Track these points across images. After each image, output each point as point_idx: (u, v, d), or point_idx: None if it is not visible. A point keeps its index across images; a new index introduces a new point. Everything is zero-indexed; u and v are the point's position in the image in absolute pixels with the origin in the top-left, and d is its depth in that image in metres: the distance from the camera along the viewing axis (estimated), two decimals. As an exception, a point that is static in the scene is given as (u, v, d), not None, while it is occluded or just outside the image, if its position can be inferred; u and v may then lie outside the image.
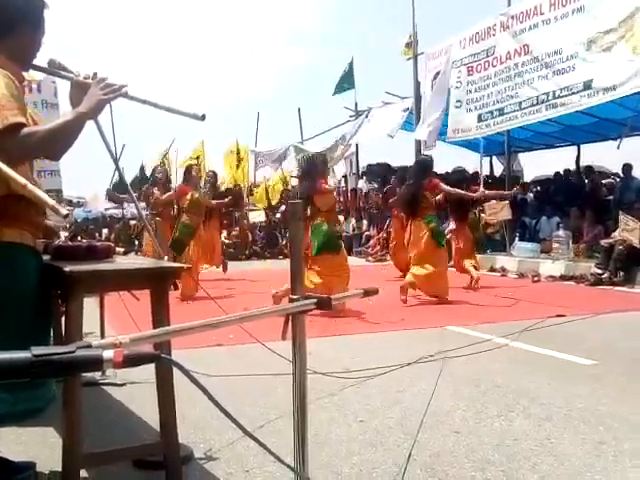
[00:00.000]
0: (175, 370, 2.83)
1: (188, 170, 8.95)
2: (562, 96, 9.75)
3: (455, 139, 12.65)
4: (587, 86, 9.28)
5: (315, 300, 1.34)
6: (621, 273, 8.80)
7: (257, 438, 1.21)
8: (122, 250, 2.82)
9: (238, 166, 18.91)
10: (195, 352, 4.42)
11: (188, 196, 8.28)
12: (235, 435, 2.94)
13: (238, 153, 19.01)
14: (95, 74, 2.04)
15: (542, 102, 10.14)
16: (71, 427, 2.09)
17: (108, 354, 0.81)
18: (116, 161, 2.41)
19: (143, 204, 9.90)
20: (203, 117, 2.01)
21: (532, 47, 10.38)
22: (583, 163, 15.01)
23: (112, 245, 2.70)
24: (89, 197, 25.13)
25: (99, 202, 23.44)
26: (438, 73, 12.88)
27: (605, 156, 15.04)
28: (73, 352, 0.79)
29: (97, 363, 0.80)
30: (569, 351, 4.68)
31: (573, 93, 9.54)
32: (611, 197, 12.61)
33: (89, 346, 0.83)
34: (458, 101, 12.16)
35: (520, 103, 10.60)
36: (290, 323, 1.39)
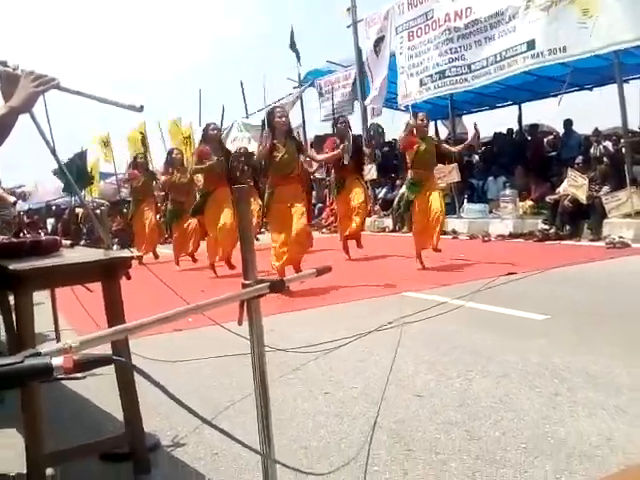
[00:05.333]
0: (135, 358, 2.81)
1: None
2: (507, 57, 9.85)
3: (404, 104, 12.70)
4: (530, 46, 9.38)
5: (268, 284, 1.33)
6: (567, 227, 9.08)
7: (216, 425, 1.21)
8: (69, 242, 2.75)
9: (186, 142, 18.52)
10: (155, 339, 4.37)
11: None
12: (199, 420, 2.93)
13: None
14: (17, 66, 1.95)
15: (491, 64, 10.21)
16: (32, 427, 2.06)
17: (57, 361, 0.78)
18: (54, 152, 2.33)
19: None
20: (141, 108, 1.95)
21: (475, 9, 10.42)
22: (525, 122, 15.29)
23: (58, 238, 2.62)
24: (30, 187, 24.37)
25: (42, 192, 22.78)
26: (381, 39, 12.87)
27: (546, 113, 15.34)
28: (21, 362, 0.76)
29: (47, 372, 0.78)
30: (522, 308, 4.81)
31: (517, 54, 9.65)
32: (554, 153, 12.92)
33: (38, 354, 0.80)
34: (401, 67, 12.20)
35: (469, 66, 10.65)
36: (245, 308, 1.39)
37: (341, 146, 7.56)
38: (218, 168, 7.94)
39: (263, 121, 7.05)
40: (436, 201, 7.19)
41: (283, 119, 6.60)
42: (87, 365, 0.82)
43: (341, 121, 8.96)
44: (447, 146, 8.31)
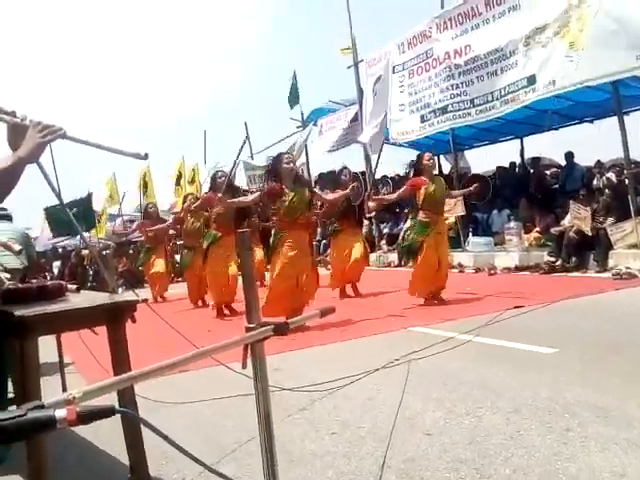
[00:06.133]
0: (140, 400, 2.79)
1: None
2: (511, 92, 9.99)
3: (399, 141, 12.84)
4: (531, 82, 9.54)
5: (272, 327, 1.34)
6: (573, 259, 9.05)
7: (217, 471, 1.20)
8: (74, 287, 2.76)
9: (177, 184, 18.84)
10: (161, 379, 4.34)
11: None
12: (207, 462, 2.89)
13: (177, 174, 18.94)
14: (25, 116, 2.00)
15: (496, 98, 10.34)
16: (37, 477, 2.04)
17: (61, 413, 0.79)
18: (60, 199, 2.37)
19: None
20: (146, 156, 2.00)
21: (474, 47, 10.59)
22: (527, 155, 15.38)
23: (63, 283, 2.64)
24: (37, 230, 24.52)
25: (48, 234, 22.88)
26: (380, 77, 13.09)
27: (547, 146, 15.46)
28: (24, 415, 0.77)
29: (50, 425, 0.78)
30: (530, 341, 4.77)
31: (519, 89, 9.78)
32: (557, 186, 12.96)
33: (42, 406, 0.81)
34: (402, 104, 12.35)
35: (472, 100, 10.78)
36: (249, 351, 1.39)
37: (350, 186, 7.64)
38: (228, 215, 8.10)
39: (267, 167, 7.11)
40: (443, 251, 7.25)
41: (290, 165, 6.64)
42: (90, 417, 0.83)
43: (345, 173, 9.06)
44: (450, 191, 8.36)
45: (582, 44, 8.50)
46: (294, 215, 6.49)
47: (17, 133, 2.00)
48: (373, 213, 12.96)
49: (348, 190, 7.55)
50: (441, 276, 7.26)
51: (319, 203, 7.91)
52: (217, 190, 8.33)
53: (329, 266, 14.46)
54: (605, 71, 8.28)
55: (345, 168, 9.24)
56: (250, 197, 6.70)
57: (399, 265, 13.00)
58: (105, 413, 0.87)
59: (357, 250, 8.87)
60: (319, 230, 16.72)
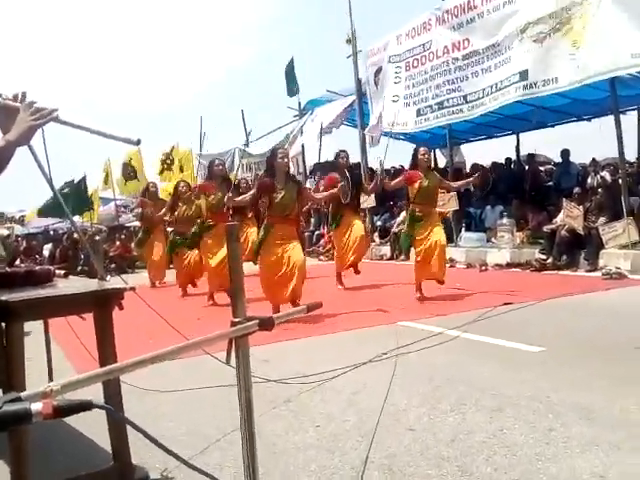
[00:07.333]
0: (126, 387, 2.78)
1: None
2: (502, 88, 9.98)
3: (392, 132, 12.80)
4: (523, 77, 9.52)
5: (257, 321, 1.34)
6: (564, 257, 9.08)
7: (195, 466, 1.21)
8: (62, 272, 2.75)
9: (168, 169, 18.71)
10: (147, 367, 4.33)
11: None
12: (190, 452, 2.90)
13: (170, 158, 18.79)
14: (24, 94, 1.96)
15: (487, 94, 10.34)
16: (18, 463, 2.03)
17: (37, 407, 0.78)
18: (52, 185, 2.35)
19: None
20: (138, 142, 1.98)
21: (472, 41, 10.57)
22: (523, 151, 15.39)
23: (52, 268, 2.63)
24: (31, 211, 24.43)
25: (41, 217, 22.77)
26: (380, 69, 13.05)
27: (543, 143, 15.49)
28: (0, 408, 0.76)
29: (26, 418, 0.78)
30: (517, 339, 4.80)
31: (511, 84, 9.77)
32: (551, 183, 12.99)
33: (18, 399, 0.80)
34: (395, 95, 12.32)
35: (465, 97, 10.77)
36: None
37: (338, 186, 7.57)
38: (222, 203, 8.03)
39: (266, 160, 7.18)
40: (437, 234, 7.18)
41: (285, 160, 6.75)
42: (67, 411, 0.82)
43: (342, 156, 9.03)
44: (448, 183, 8.39)
45: (583, 42, 8.49)
46: (283, 212, 6.61)
47: (8, 115, 1.97)
48: (367, 205, 12.96)
49: (336, 190, 7.54)
50: (437, 265, 7.17)
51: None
52: (214, 178, 8.30)
53: (321, 257, 14.55)
54: (601, 69, 8.28)
55: (343, 151, 9.21)
56: (248, 195, 6.86)
57: (391, 258, 13.04)
58: (83, 407, 0.86)
59: (357, 227, 8.82)
60: (312, 220, 16.74)
